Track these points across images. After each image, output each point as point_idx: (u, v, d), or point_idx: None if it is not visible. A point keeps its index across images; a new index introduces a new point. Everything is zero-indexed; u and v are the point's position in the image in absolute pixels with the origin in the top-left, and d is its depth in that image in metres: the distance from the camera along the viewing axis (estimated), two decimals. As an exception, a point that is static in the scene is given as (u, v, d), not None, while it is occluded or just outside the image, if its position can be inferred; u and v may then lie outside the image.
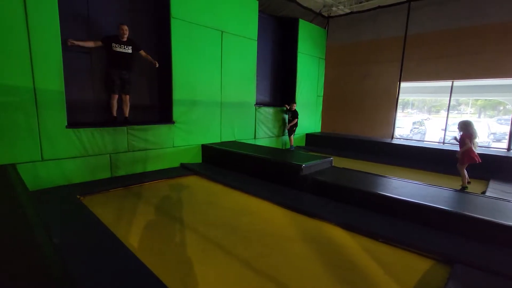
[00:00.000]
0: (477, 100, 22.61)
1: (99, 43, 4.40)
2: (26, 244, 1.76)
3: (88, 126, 4.35)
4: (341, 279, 2.25)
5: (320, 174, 4.22)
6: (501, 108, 19.26)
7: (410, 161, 6.55)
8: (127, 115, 4.93)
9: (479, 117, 23.09)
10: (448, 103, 8.49)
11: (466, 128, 4.60)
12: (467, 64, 6.75)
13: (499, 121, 16.49)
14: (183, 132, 5.58)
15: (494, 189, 4.64)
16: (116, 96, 4.71)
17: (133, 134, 4.87)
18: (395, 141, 7.63)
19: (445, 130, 9.20)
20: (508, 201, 3.37)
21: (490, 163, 5.70)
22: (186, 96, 5.52)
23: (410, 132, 13.33)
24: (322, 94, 9.37)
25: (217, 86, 6.08)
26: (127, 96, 4.86)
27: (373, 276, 2.32)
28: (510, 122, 6.84)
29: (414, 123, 14.85)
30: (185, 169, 5.42)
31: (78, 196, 3.71)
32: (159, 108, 5.66)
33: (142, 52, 4.86)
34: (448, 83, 7.77)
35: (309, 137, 8.85)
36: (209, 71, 5.87)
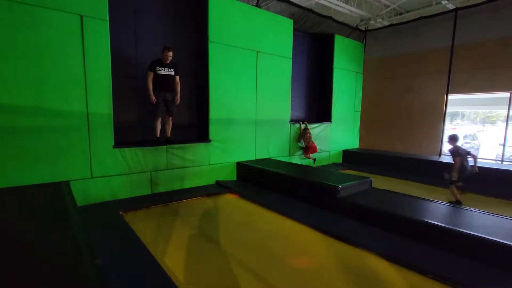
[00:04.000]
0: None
1: (151, 74, 4.59)
2: (70, 264, 1.88)
3: (132, 146, 4.64)
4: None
5: (359, 197, 3.99)
6: None
7: (467, 184, 5.92)
8: (169, 135, 5.07)
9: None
10: (507, 115, 7.66)
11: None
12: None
13: None
14: (218, 150, 5.70)
15: None
16: (160, 118, 4.84)
17: (172, 153, 5.09)
18: (443, 159, 7.01)
19: (504, 145, 8.26)
20: None
21: None
22: (222, 115, 5.67)
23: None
24: (359, 109, 9.04)
25: (252, 105, 6.16)
26: (171, 118, 4.99)
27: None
28: None
29: (465, 136, 13.59)
30: (220, 187, 5.50)
31: (121, 213, 3.93)
32: (196, 127, 5.87)
33: (177, 78, 4.90)
34: (505, 95, 7.04)
35: (346, 153, 8.51)
36: (244, 90, 6.00)
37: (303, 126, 7.22)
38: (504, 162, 8.26)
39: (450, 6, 6.88)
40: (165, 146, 5.00)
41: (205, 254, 2.99)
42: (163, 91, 4.74)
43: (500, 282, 2.44)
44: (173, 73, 4.77)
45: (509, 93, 7.09)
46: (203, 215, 4.18)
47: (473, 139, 13.64)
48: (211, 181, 5.69)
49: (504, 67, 6.34)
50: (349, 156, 8.43)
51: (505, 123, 7.68)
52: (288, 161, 6.92)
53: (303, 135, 7.13)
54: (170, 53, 4.60)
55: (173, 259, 2.82)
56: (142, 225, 3.62)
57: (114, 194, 4.48)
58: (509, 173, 5.68)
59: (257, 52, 6.07)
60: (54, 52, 3.81)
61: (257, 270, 2.68)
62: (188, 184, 5.35)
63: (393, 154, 7.72)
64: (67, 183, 3.90)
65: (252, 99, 6.15)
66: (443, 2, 6.76)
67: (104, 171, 4.36)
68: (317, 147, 7.30)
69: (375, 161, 7.72)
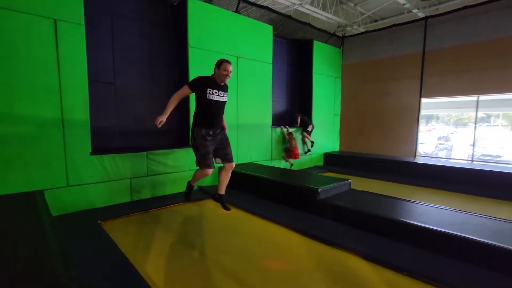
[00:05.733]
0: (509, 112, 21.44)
1: (188, 92, 3.17)
2: (43, 277, 1.82)
3: (110, 152, 4.53)
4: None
5: (339, 199, 4.10)
6: (536, 120, 18.11)
7: (435, 181, 6.23)
8: (223, 192, 3.66)
9: None
10: (475, 117, 8.13)
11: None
12: (492, 78, 6.48)
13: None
14: (200, 155, 5.67)
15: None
16: (209, 170, 3.27)
17: (153, 159, 5.01)
18: (418, 160, 7.32)
19: (473, 146, 8.75)
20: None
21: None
22: (204, 120, 5.65)
23: (435, 148, 12.77)
24: (339, 113, 9.28)
25: (233, 109, 6.19)
26: (232, 164, 3.52)
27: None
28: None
29: (439, 138, 14.24)
30: (202, 192, 5.46)
31: (99, 221, 3.82)
32: (177, 132, 5.82)
33: None
34: (473, 98, 7.48)
35: (327, 156, 8.70)
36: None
37: (285, 130, 7.33)
38: (474, 162, 8.74)
39: (421, 15, 7.25)
40: (145, 153, 4.92)
41: (186, 261, 2.96)
42: (216, 126, 3.25)
43: (478, 279, 2.58)
44: (226, 99, 3.36)
45: (476, 97, 7.55)
46: (184, 221, 4.14)
47: (446, 141, 14.31)
48: (194, 187, 5.63)
49: (471, 71, 6.73)
50: (330, 159, 8.62)
51: (480, 125, 8.14)
52: (270, 165, 6.97)
53: (289, 140, 7.24)
54: (230, 68, 3.15)
55: (153, 267, 2.77)
56: (121, 234, 3.53)
57: (92, 203, 4.35)
58: (478, 172, 6.03)
59: (237, 57, 6.12)
60: (26, 57, 3.68)
61: (240, 275, 2.68)
62: (169, 190, 5.28)
63: (371, 156, 7.97)
64: (41, 192, 3.75)
65: (233, 103, 6.17)
66: (414, 11, 7.12)
67: (81, 179, 4.23)
68: (299, 151, 7.45)
69: (355, 163, 7.94)
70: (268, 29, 6.77)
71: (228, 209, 3.56)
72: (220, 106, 3.23)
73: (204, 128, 3.14)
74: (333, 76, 8.85)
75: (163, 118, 3.02)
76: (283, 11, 7.10)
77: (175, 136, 5.83)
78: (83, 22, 4.09)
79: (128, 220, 4.09)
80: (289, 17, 7.17)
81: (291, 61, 8.18)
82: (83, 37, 4.12)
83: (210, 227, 3.93)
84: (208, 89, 3.05)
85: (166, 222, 4.04)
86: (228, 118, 6.10)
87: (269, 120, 7.03)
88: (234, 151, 6.30)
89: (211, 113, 3.16)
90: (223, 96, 3.22)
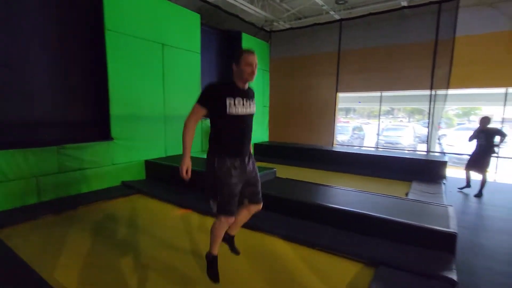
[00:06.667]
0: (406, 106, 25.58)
1: (203, 112, 2.16)
2: None
3: (8, 147, 3.88)
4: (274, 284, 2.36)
5: (264, 187, 4.35)
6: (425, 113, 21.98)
7: (348, 167, 7.10)
8: (235, 233, 2.67)
9: (408, 121, 26.11)
10: (379, 110, 9.49)
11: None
12: (392, 78, 7.62)
13: (424, 125, 18.78)
14: (123, 148, 5.30)
15: (416, 190, 5.27)
16: (233, 219, 2.28)
17: (65, 154, 4.48)
18: (335, 148, 8.22)
19: (378, 135, 10.23)
20: (425, 203, 3.87)
21: (413, 165, 6.50)
22: (126, 111, 5.27)
23: (351, 138, 14.40)
24: (268, 105, 9.71)
25: (160, 100, 5.92)
26: (260, 206, 2.50)
27: (307, 281, 2.47)
28: (426, 127, 7.87)
29: (354, 128, 16.03)
30: (127, 188, 5.14)
31: (-8, 230, 3.28)
32: (95, 124, 5.28)
33: None
34: (378, 94, 8.71)
35: (257, 146, 9.06)
36: (151, 84, 5.70)
37: None
38: (379, 148, 10.23)
39: (337, 17, 8.01)
40: (55, 147, 4.36)
41: (106, 262, 2.78)
42: (244, 153, 2.21)
43: (349, 240, 3.08)
44: (254, 110, 2.30)
45: (380, 93, 8.79)
46: (105, 220, 3.86)
47: (360, 131, 16.26)
48: (116, 182, 5.26)
49: (374, 71, 7.79)
50: (260, 149, 9.00)
51: (387, 116, 9.54)
52: (200, 156, 6.92)
53: None
54: (255, 60, 2.12)
55: (65, 274, 2.54)
56: (23, 241, 3.11)
57: (-17, 208, 3.69)
58: (380, 157, 7.11)
59: (162, 44, 5.83)
60: None
61: (166, 269, 2.67)
62: (87, 188, 4.82)
63: (296, 145, 8.62)
64: None
65: (159, 94, 5.90)
66: (331, 13, 7.82)
67: (-34, 181, 3.54)
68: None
69: (282, 153, 8.47)
70: (196, 17, 6.60)
71: (237, 253, 2.65)
72: (247, 121, 2.17)
73: (229, 158, 2.11)
74: (261, 69, 9.16)
75: (187, 163, 2.11)
76: (211, 0, 6.99)
77: (93, 127, 5.28)
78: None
79: (35, 224, 3.60)
80: (217, 6, 7.11)
81: (221, 52, 8.16)
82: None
83: (133, 224, 3.76)
84: (228, 100, 2.02)
85: (83, 223, 3.70)
86: (155, 109, 5.84)
87: (198, 111, 6.92)
88: (162, 143, 6.11)
89: (238, 135, 2.13)
90: (250, 105, 2.17)
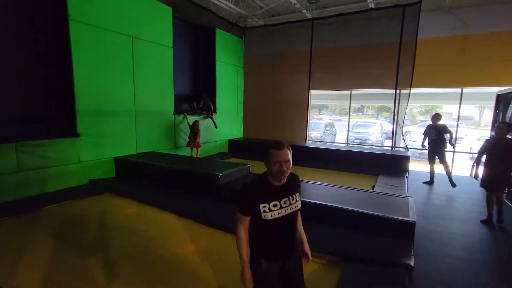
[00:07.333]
0: (375, 104, 26.82)
1: (248, 218, 1.89)
2: None
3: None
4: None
5: (237, 183, 4.39)
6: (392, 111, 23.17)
7: (320, 162, 7.33)
8: None
9: (377, 118, 27.42)
10: (349, 107, 9.86)
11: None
12: (361, 76, 7.95)
13: (391, 122, 19.77)
14: (91, 145, 5.07)
15: (381, 183, 5.58)
16: None
17: (25, 151, 4.22)
18: (307, 144, 8.44)
19: (348, 131, 10.65)
20: (388, 194, 4.12)
21: (380, 160, 6.86)
22: (93, 106, 5.04)
23: (323, 134, 14.81)
24: (242, 101, 9.72)
25: (130, 95, 5.72)
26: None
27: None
28: (392, 124, 8.33)
29: (326, 124, 16.50)
30: (95, 186, 4.94)
31: None
32: (60, 120, 5.00)
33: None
34: (348, 92, 9.05)
35: (232, 143, 9.07)
36: (120, 79, 5.49)
37: (189, 118, 7.16)
38: (349, 144, 10.65)
39: (309, 15, 8.18)
40: (13, 144, 4.08)
41: (72, 270, 2.60)
42: (283, 253, 1.98)
43: (319, 234, 3.22)
44: (297, 206, 1.96)
45: (350, 91, 9.14)
46: (71, 223, 3.67)
47: (332, 127, 16.79)
48: (84, 181, 5.04)
49: (344, 69, 8.09)
50: (234, 145, 9.01)
51: (357, 114, 9.92)
52: (173, 153, 6.82)
53: (192, 129, 6.93)
54: (286, 156, 1.81)
55: (24, 281, 2.40)
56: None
57: None
58: (350, 153, 7.42)
59: (132, 37, 5.62)
60: None
61: (132, 278, 2.52)
62: (51, 188, 4.57)
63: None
64: None
65: (129, 88, 5.70)
66: (303, 11, 7.96)
67: None
68: (202, 138, 7.47)
69: (256, 149, 8.52)
70: (168, 10, 6.42)
71: None
72: (287, 222, 1.94)
73: (264, 260, 1.93)
74: (235, 65, 9.14)
75: (248, 277, 1.81)
76: (183, -6, 6.84)
77: (57, 123, 4.99)
78: None
79: (-11, 228, 3.36)
80: (190, 0, 6.97)
81: (195, 47, 8.02)
82: None
83: (101, 226, 3.61)
84: (262, 206, 1.83)
85: (45, 226, 3.51)
86: (125, 104, 5.63)
87: (171, 106, 6.79)
88: (133, 139, 5.91)
89: (273, 238, 1.96)
90: (288, 204, 1.91)
